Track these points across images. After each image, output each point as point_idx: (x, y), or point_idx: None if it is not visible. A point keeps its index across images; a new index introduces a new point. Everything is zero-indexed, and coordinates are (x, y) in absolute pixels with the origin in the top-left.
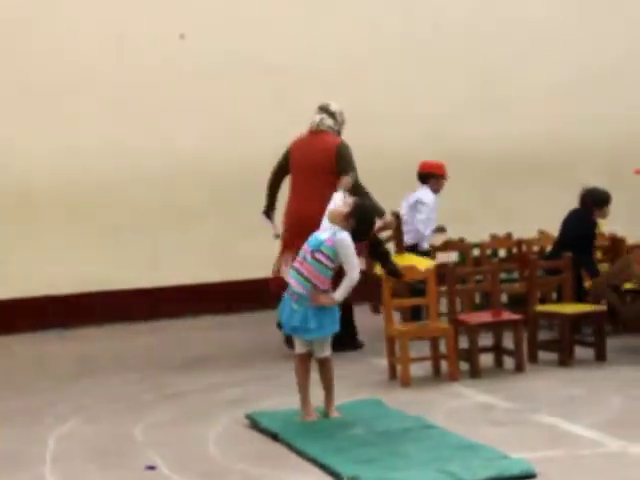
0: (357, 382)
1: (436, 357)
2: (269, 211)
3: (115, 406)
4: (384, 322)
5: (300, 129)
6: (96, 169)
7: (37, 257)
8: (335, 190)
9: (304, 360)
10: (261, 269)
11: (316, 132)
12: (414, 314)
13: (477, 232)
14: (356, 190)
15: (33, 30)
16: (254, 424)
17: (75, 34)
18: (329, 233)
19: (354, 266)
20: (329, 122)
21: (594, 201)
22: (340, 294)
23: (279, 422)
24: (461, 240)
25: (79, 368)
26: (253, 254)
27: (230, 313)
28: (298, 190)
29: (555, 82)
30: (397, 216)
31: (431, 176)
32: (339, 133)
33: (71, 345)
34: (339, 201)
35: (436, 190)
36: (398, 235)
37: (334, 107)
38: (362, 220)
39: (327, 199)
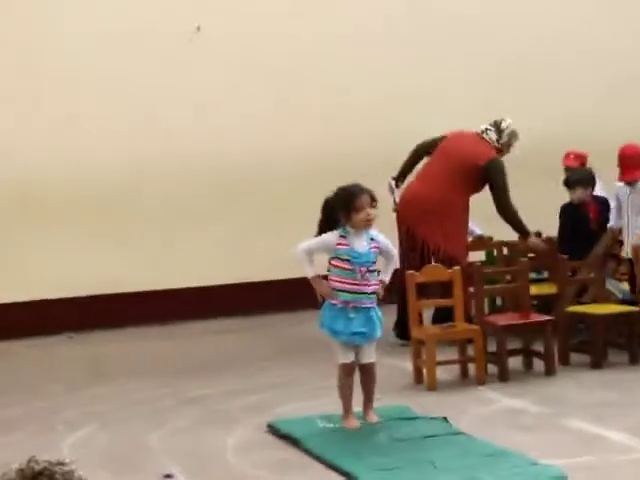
0: (381, 386)
1: (463, 360)
2: (398, 181)
3: (129, 412)
4: (410, 324)
5: (310, 127)
6: (106, 168)
7: (46, 260)
8: (463, 193)
9: (354, 368)
10: (277, 270)
11: (478, 136)
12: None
13: (506, 231)
14: (505, 210)
15: (35, 26)
16: (274, 430)
17: (80, 28)
18: (366, 243)
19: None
20: (492, 135)
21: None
22: (388, 276)
23: (300, 428)
24: (490, 239)
25: (91, 373)
26: (269, 254)
27: (246, 316)
28: (429, 172)
29: (576, 76)
30: (550, 240)
31: None
32: (499, 150)
33: (82, 349)
34: None
35: None
36: (551, 258)
37: (505, 124)
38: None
39: (451, 196)
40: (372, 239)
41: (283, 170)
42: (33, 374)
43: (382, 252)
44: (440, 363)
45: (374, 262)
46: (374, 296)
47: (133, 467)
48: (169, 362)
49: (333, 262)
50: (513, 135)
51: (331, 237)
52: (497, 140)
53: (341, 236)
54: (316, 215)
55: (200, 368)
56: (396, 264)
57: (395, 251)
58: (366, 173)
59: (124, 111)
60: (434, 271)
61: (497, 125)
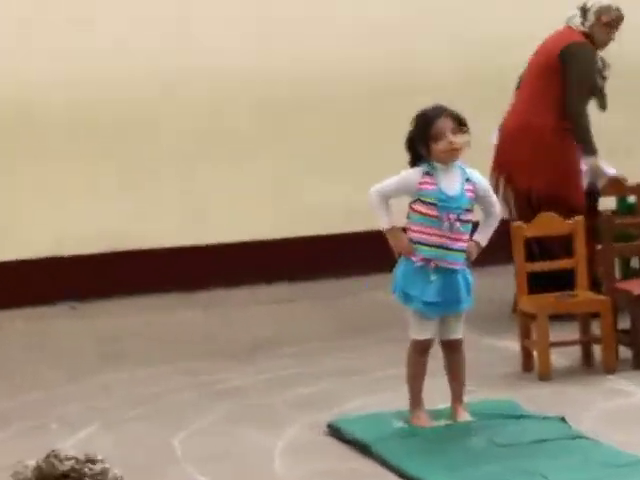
0: (477, 374)
1: (587, 340)
2: None
3: (144, 407)
4: (516, 292)
5: (381, 35)
6: (119, 90)
7: (39, 206)
8: (558, 110)
9: (428, 347)
10: (340, 220)
11: (564, 28)
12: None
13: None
14: (573, 110)
15: None
16: (335, 432)
17: None
18: (459, 183)
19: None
20: (577, 20)
21: None
22: (486, 237)
23: (371, 429)
24: (624, 180)
25: (96, 355)
26: (329, 200)
27: (298, 281)
28: (516, 100)
29: None
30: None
31: None
32: (587, 36)
33: (86, 324)
34: None
35: None
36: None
37: (592, 2)
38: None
39: (541, 117)
40: (468, 180)
41: (350, 89)
42: (23, 355)
43: (478, 199)
44: (556, 344)
45: (468, 210)
46: (463, 255)
47: (148, 478)
48: (196, 341)
49: (414, 206)
50: (602, 11)
51: (412, 175)
52: (582, 23)
53: (425, 173)
54: (390, 149)
55: (239, 349)
56: (498, 219)
57: (498, 203)
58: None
59: (144, 17)
60: (548, 222)
61: (583, 7)
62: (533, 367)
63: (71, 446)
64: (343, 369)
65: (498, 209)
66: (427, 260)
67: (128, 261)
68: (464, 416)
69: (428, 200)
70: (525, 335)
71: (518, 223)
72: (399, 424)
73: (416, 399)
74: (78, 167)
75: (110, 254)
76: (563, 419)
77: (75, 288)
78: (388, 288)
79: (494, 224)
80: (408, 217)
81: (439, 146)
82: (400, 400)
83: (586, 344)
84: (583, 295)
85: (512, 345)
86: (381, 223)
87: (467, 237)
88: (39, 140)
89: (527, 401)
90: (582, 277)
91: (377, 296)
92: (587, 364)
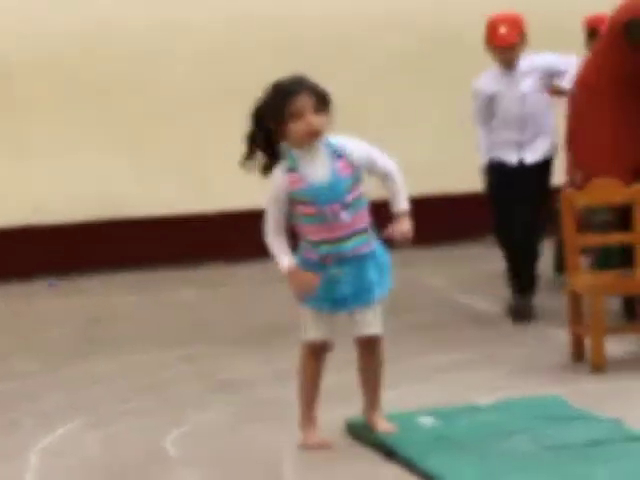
0: (520, 366)
1: None
2: None
3: (133, 401)
4: (566, 270)
5: None
6: (113, 33)
7: (12, 168)
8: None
9: (323, 350)
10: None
11: None
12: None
13: None
14: None
15: None
16: (356, 432)
17: None
18: (327, 165)
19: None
20: None
21: None
22: (404, 199)
23: (397, 430)
24: None
25: (80, 340)
26: None
27: None
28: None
29: None
30: None
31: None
32: None
33: (68, 303)
34: None
35: None
36: None
37: None
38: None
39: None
40: (339, 156)
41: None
42: None
43: (363, 168)
44: (612, 331)
45: (350, 191)
46: (363, 238)
47: None
48: (196, 324)
49: (297, 207)
50: None
51: (279, 181)
52: None
53: (289, 170)
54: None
55: (248, 335)
56: (398, 175)
57: (387, 160)
58: None
59: None
60: (604, 189)
61: None
62: (584, 357)
63: (47, 445)
64: None
65: (391, 166)
66: (324, 256)
67: (115, 231)
68: (384, 427)
69: (302, 199)
70: (575, 319)
71: (570, 190)
72: (429, 423)
73: (307, 415)
74: (57, 123)
75: (94, 223)
76: (618, 421)
77: (54, 262)
78: (422, 264)
79: (399, 181)
80: (292, 217)
81: (296, 127)
82: (431, 394)
83: None
84: None
85: (558, 332)
86: (279, 264)
87: (363, 212)
88: (11, 93)
89: (577, 397)
90: None
91: (408, 274)
92: None
